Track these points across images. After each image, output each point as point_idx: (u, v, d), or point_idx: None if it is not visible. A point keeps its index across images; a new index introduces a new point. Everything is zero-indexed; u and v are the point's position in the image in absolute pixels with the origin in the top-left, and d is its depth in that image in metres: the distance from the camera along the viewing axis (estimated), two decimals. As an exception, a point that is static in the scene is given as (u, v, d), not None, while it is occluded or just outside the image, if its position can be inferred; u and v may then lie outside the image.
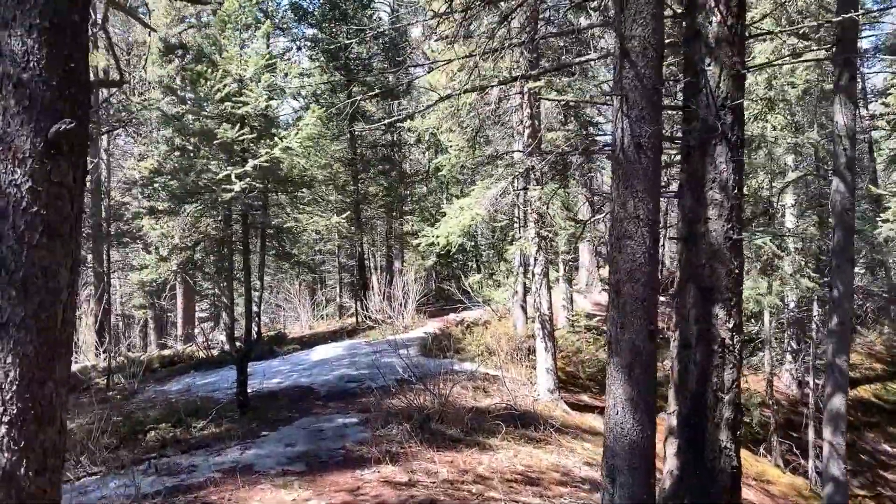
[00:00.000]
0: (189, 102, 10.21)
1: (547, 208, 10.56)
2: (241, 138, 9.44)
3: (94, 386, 16.40)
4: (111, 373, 15.57)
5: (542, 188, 11.17)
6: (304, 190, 18.03)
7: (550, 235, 11.63)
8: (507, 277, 14.85)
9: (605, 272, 26.50)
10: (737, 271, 5.97)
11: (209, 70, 9.52)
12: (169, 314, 34.35)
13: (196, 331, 22.48)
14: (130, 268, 27.99)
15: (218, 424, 9.96)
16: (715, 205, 5.87)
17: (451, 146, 12.98)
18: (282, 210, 18.27)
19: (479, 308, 19.08)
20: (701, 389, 6.02)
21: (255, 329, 22.22)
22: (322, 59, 22.41)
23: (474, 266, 33.40)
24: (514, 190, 11.71)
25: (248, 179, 9.46)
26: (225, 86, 9.52)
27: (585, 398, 13.50)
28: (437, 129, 12.08)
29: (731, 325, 5.92)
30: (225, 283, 20.79)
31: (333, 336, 20.63)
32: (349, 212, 17.26)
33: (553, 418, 11.00)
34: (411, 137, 24.88)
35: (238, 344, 11.20)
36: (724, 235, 5.85)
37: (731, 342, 5.94)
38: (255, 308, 22.62)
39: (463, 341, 14.63)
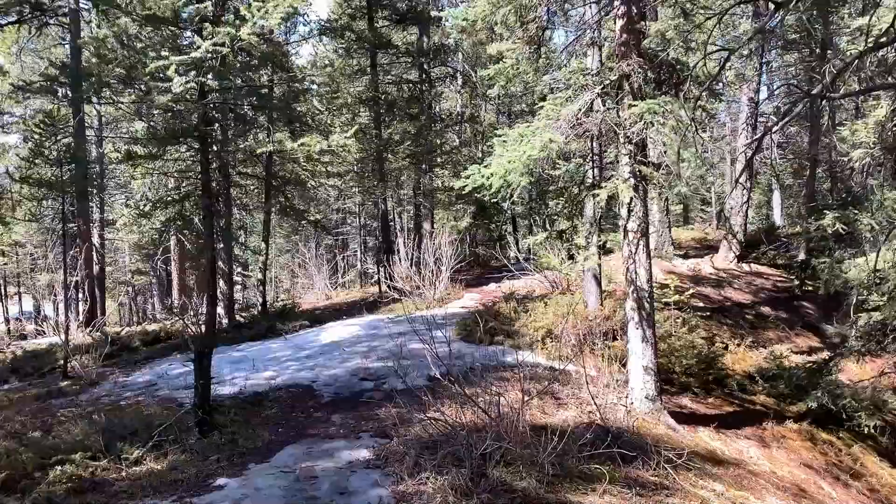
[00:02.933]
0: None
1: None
2: (185, 6, 5.86)
3: (56, 370, 13.23)
4: (68, 358, 12.31)
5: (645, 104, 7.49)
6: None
7: (656, 175, 7.97)
8: (578, 236, 11.20)
9: (678, 233, 22.70)
10: None
11: None
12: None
13: (179, 302, 19.15)
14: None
15: (161, 455, 6.56)
16: None
17: (504, 55, 9.30)
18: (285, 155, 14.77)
19: (527, 276, 15.50)
20: None
21: (260, 300, 18.98)
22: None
23: (511, 228, 29.89)
24: (604, 107, 8.03)
25: (193, 75, 5.91)
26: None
27: (686, 402, 9.92)
28: (486, 21, 8.37)
29: None
30: (221, 245, 17.53)
31: (351, 309, 17.21)
32: (356, 128, 13.61)
33: (659, 441, 7.48)
34: (443, 70, 21.21)
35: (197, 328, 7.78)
36: None
37: None
38: (258, 275, 19.32)
39: (515, 322, 11.09)
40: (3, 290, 38.14)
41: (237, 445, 6.69)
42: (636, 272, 8.31)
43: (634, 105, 7.65)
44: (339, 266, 29.69)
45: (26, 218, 23.70)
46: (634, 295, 8.33)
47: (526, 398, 6.53)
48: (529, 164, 7.68)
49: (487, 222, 25.17)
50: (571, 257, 13.87)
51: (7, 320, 34.48)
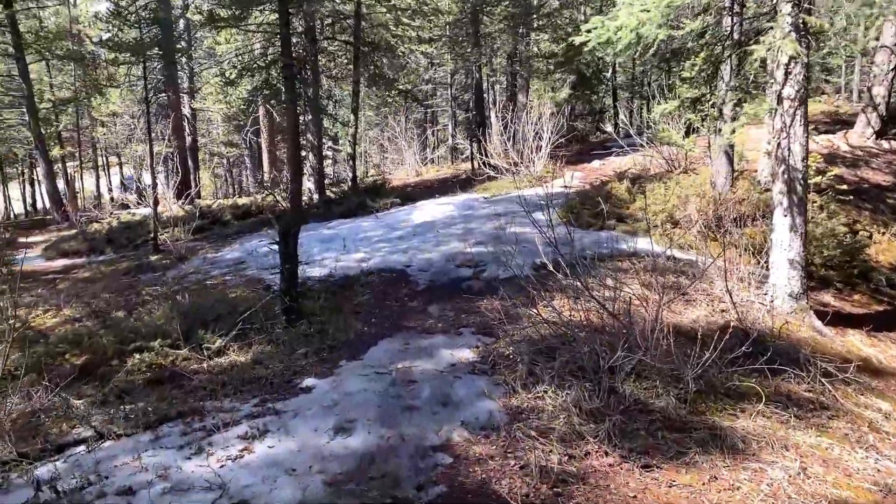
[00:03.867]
0: None
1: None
2: None
3: (149, 242, 13.06)
4: (157, 232, 12.03)
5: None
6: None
7: (828, 27, 6.40)
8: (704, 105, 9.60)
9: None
10: None
11: None
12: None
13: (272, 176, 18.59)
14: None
15: (244, 345, 6.00)
16: None
17: None
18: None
19: (636, 153, 14.01)
20: None
21: (350, 175, 18.30)
22: None
23: (611, 101, 27.94)
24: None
25: None
26: None
27: (829, 299, 8.65)
28: None
29: None
30: (310, 117, 16.73)
31: (443, 187, 16.33)
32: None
33: (806, 347, 6.38)
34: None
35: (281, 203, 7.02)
36: None
37: None
38: (348, 149, 18.54)
39: (630, 205, 9.90)
40: (105, 161, 39.28)
41: (327, 337, 6.04)
42: (789, 148, 6.92)
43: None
44: (428, 141, 28.66)
45: (110, 84, 23.55)
46: (785, 176, 6.99)
47: (664, 299, 5.47)
48: (669, 13, 6.29)
49: (588, 93, 23.35)
50: (690, 131, 12.35)
51: (110, 189, 35.60)
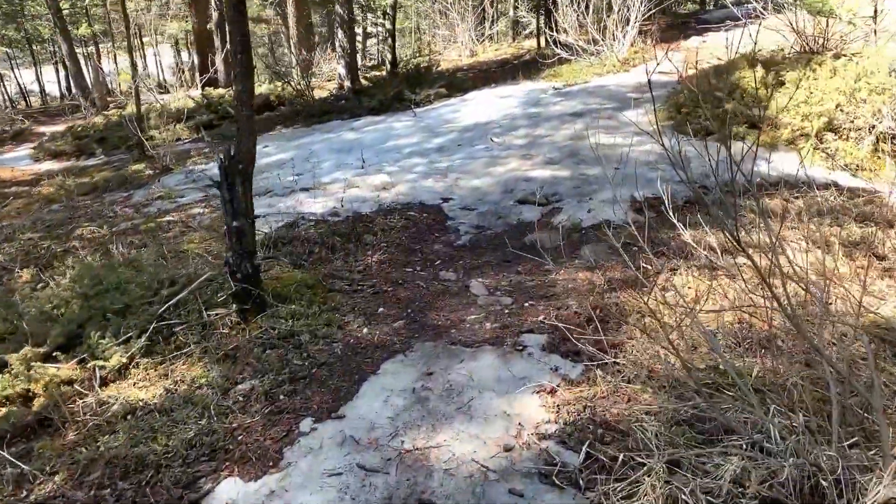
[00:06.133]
0: None
1: None
2: None
3: (147, 152, 10.67)
4: (139, 132, 9.56)
5: None
6: None
7: None
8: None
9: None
10: None
11: None
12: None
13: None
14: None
15: (158, 363, 3.62)
16: None
17: None
18: None
19: (748, 28, 10.67)
20: None
21: (389, 58, 15.39)
22: None
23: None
24: None
25: None
26: None
27: None
28: None
29: None
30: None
31: (502, 71, 13.33)
32: None
33: None
34: None
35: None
36: None
37: None
38: (388, 25, 15.52)
39: (767, 102, 6.92)
40: (139, 41, 36.67)
41: (295, 351, 3.60)
42: None
43: None
44: (486, 14, 25.06)
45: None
46: None
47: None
48: None
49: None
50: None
51: (145, 71, 33.15)
